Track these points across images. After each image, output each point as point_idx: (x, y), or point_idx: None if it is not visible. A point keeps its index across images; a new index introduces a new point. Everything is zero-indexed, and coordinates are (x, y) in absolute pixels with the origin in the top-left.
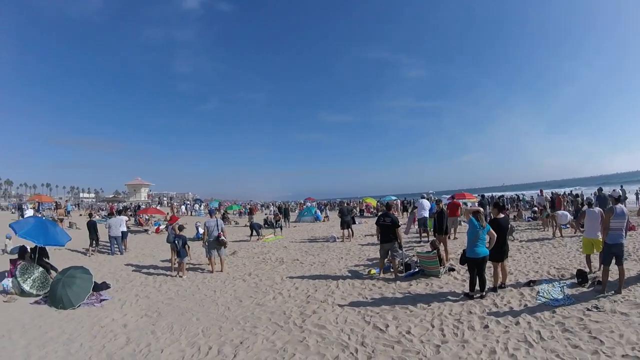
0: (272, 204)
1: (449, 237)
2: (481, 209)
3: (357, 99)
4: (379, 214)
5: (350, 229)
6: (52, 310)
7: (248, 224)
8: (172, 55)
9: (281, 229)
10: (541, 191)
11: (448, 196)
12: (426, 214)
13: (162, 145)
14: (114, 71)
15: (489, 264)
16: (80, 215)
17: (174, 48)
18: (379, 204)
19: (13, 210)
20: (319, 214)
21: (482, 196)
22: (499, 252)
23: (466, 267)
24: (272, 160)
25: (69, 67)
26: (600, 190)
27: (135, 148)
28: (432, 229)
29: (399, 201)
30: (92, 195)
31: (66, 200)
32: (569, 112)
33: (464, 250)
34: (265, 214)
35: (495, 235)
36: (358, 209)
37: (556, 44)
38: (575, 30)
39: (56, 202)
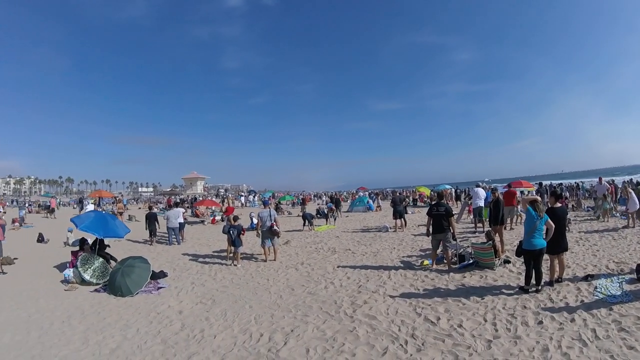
0: (324, 194)
1: (505, 228)
2: (538, 198)
3: (407, 85)
4: (432, 203)
5: (403, 219)
6: (111, 297)
7: (301, 214)
8: (220, 52)
9: (335, 219)
10: (600, 179)
11: (504, 185)
12: (482, 203)
13: (215, 140)
14: (165, 71)
15: (546, 256)
16: (139, 208)
17: (222, 45)
18: (432, 193)
19: (74, 205)
20: (371, 203)
21: (540, 184)
22: (556, 244)
23: (522, 260)
24: (323, 150)
25: (123, 71)
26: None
27: (190, 143)
28: (487, 219)
29: (452, 190)
30: (151, 189)
31: (121, 195)
32: (630, 92)
33: (520, 242)
34: (318, 204)
35: (553, 225)
36: (411, 198)
37: (614, 16)
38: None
39: (115, 197)
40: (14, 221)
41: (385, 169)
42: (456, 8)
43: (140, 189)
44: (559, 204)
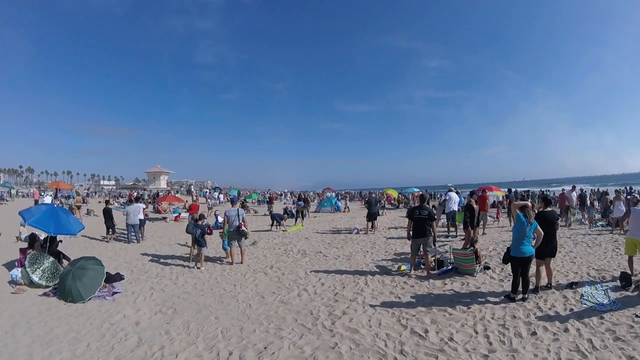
0: (291, 193)
1: (484, 234)
2: (529, 204)
3: (377, 89)
4: (413, 206)
5: (375, 221)
6: (60, 303)
7: (268, 213)
8: (193, 45)
9: (303, 218)
10: (573, 187)
11: (475, 189)
12: (455, 207)
13: (182, 134)
14: (136, 61)
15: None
16: (99, 202)
17: (196, 38)
18: (400, 195)
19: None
20: (340, 204)
21: (510, 190)
22: (546, 250)
23: (503, 266)
24: (291, 149)
25: (92, 58)
26: (630, 189)
27: (156, 136)
28: (461, 223)
29: (420, 193)
30: (113, 182)
31: (82, 187)
32: (593, 106)
33: (508, 248)
34: (284, 203)
35: (542, 233)
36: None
37: (586, 31)
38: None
39: (76, 190)
40: None
41: (353, 170)
42: (428, 15)
43: (102, 182)
44: (549, 209)
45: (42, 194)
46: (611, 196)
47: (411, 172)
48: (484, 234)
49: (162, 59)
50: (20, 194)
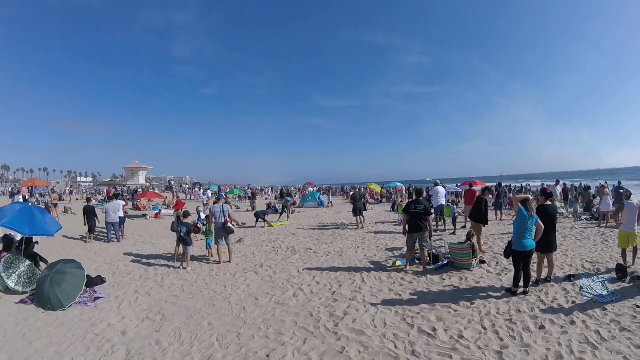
0: (271, 189)
1: (464, 227)
2: (530, 197)
3: (355, 84)
4: (409, 200)
5: (362, 216)
6: (39, 311)
7: (251, 209)
8: (171, 38)
9: (288, 215)
10: (557, 181)
11: (459, 184)
12: (443, 201)
13: (160, 129)
14: (112, 54)
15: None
16: (77, 199)
17: (174, 32)
18: (383, 190)
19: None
20: (323, 199)
21: (499, 184)
22: (547, 243)
23: (498, 260)
24: (270, 144)
25: (67, 50)
26: (619, 184)
27: (134, 132)
28: (449, 217)
29: (404, 188)
30: (90, 179)
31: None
32: (571, 102)
33: (509, 242)
34: (266, 198)
35: (543, 227)
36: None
37: (562, 26)
38: (581, 9)
39: (52, 188)
40: None
41: (334, 165)
42: (403, 10)
43: (79, 179)
44: (549, 202)
45: (18, 192)
46: (593, 191)
47: (392, 166)
48: (472, 228)
49: (140, 53)
50: None
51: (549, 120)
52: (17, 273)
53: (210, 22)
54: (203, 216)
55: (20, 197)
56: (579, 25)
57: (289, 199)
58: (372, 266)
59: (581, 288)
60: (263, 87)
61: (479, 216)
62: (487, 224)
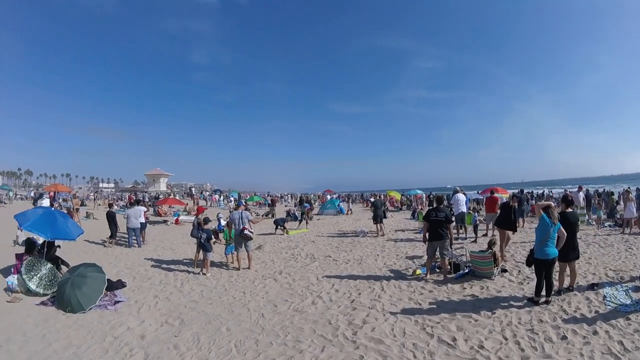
0: (291, 196)
1: (485, 235)
2: (552, 204)
3: (371, 89)
4: (429, 208)
5: (382, 224)
6: (59, 313)
7: (270, 216)
8: (189, 46)
9: (307, 223)
10: (579, 187)
11: (480, 191)
12: (464, 208)
13: (180, 136)
14: (132, 62)
15: None
16: (99, 205)
17: (191, 39)
18: (403, 197)
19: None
20: (343, 206)
21: (521, 191)
22: (569, 251)
23: (520, 268)
24: (288, 151)
25: (88, 58)
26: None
27: (154, 138)
28: (470, 225)
29: (424, 195)
30: (112, 185)
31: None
32: (591, 105)
33: (531, 251)
34: (285, 205)
35: (565, 234)
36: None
37: (581, 27)
38: (601, 10)
39: (74, 194)
40: None
41: (352, 172)
42: (417, 15)
43: (101, 185)
44: (570, 209)
45: (45, 196)
46: (616, 197)
47: (411, 173)
48: (493, 235)
49: (158, 60)
50: (18, 196)
51: (569, 124)
52: (38, 275)
53: (227, 30)
54: (223, 223)
55: (47, 201)
56: (597, 26)
57: (306, 204)
58: (392, 274)
59: (604, 297)
60: (280, 94)
61: (506, 223)
62: (515, 231)
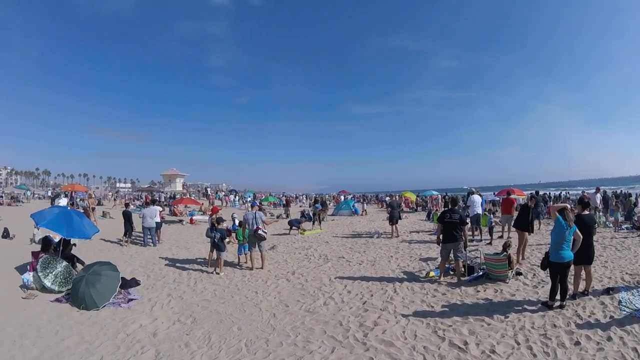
0: (306, 197)
1: (500, 237)
2: (568, 206)
3: (386, 90)
4: (440, 210)
5: (397, 225)
6: (73, 310)
7: (285, 216)
8: (205, 49)
9: (320, 223)
10: (597, 189)
11: (496, 192)
12: (479, 210)
13: (196, 137)
14: (149, 65)
15: None
16: (115, 205)
17: (207, 42)
18: (418, 198)
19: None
20: (357, 207)
21: (537, 192)
22: (585, 254)
23: (535, 271)
24: (304, 152)
25: (106, 63)
26: None
27: (170, 140)
28: (486, 226)
29: (440, 196)
30: (129, 185)
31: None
32: (610, 104)
33: (546, 254)
34: (300, 206)
35: (581, 237)
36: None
37: (599, 23)
38: (620, 6)
39: (90, 193)
40: None
41: (367, 173)
42: (433, 14)
43: (117, 185)
44: (586, 212)
45: (61, 195)
46: (634, 198)
47: (427, 174)
48: (509, 238)
49: (175, 63)
50: (36, 195)
51: (588, 123)
52: (53, 273)
53: (242, 33)
54: (237, 223)
55: (65, 200)
56: (616, 21)
57: (317, 205)
58: (405, 276)
59: (619, 302)
60: (296, 95)
61: (524, 224)
62: (532, 232)
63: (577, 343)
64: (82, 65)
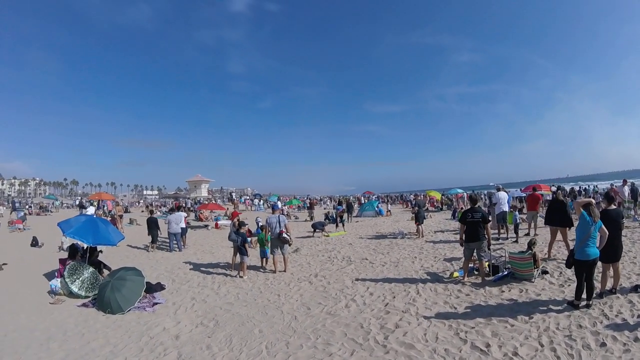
0: (330, 199)
1: (527, 234)
2: (592, 201)
3: (407, 88)
4: (464, 209)
5: (422, 225)
6: (99, 314)
7: (309, 218)
8: (225, 56)
9: (343, 224)
10: (624, 181)
11: (522, 188)
12: (506, 207)
13: (221, 143)
14: (171, 74)
15: None
16: (142, 211)
17: (227, 49)
18: (444, 197)
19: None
20: (382, 208)
21: (558, 187)
22: (612, 251)
23: (560, 270)
24: (327, 154)
25: (128, 73)
26: None
27: (195, 147)
28: (512, 224)
29: (465, 194)
30: (155, 192)
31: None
32: (636, 91)
33: (571, 251)
34: (324, 208)
35: (607, 233)
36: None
37: (621, 13)
38: None
39: (116, 201)
40: (10, 223)
41: (391, 172)
42: (455, 8)
43: (145, 192)
44: (613, 206)
45: (85, 205)
46: None
47: (452, 172)
48: (535, 234)
49: (196, 71)
50: (64, 205)
51: (614, 113)
52: (80, 279)
53: (261, 38)
54: (261, 226)
55: (92, 209)
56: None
57: (339, 207)
58: (429, 277)
59: None
60: (317, 97)
61: (563, 219)
62: (571, 226)
63: (603, 344)
64: (106, 78)
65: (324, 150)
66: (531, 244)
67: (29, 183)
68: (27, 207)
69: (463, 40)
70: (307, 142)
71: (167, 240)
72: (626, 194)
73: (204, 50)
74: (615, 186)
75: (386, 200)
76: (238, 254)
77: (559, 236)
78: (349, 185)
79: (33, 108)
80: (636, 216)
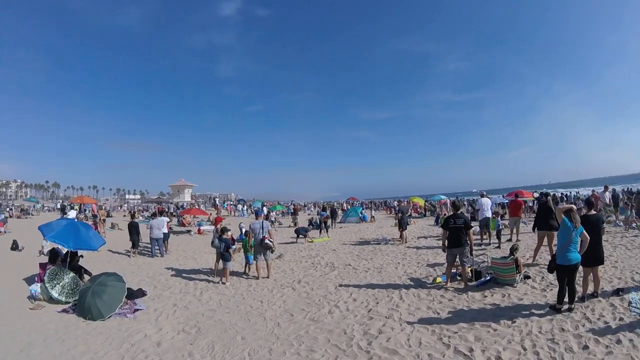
0: (314, 205)
1: (509, 240)
2: (574, 207)
3: (394, 94)
4: (447, 215)
5: (406, 231)
6: (79, 321)
7: (292, 224)
8: (214, 60)
9: (327, 230)
10: (605, 187)
11: (505, 194)
12: (489, 214)
13: (205, 147)
14: (159, 77)
15: None
16: (124, 216)
17: (216, 53)
18: (427, 203)
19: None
20: (365, 214)
21: (545, 194)
22: (593, 255)
23: (543, 274)
24: (315, 160)
25: (115, 75)
26: None
27: (180, 150)
28: (494, 230)
29: (448, 200)
30: (138, 196)
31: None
32: (621, 98)
33: (553, 256)
34: (308, 214)
35: (588, 238)
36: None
37: (608, 20)
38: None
39: (100, 205)
40: None
41: (376, 179)
42: (442, 17)
43: (127, 196)
44: (593, 212)
45: (67, 208)
46: None
47: (437, 178)
48: (517, 240)
49: (184, 75)
50: (45, 208)
51: (600, 120)
52: (60, 284)
53: (250, 42)
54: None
55: (74, 213)
56: (624, 12)
57: (323, 213)
58: (412, 283)
59: (629, 303)
60: (305, 103)
61: (553, 224)
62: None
63: (586, 347)
64: (92, 78)
65: (311, 156)
66: (513, 250)
67: (10, 185)
68: (7, 209)
69: (449, 48)
70: (294, 147)
71: (149, 246)
72: (607, 200)
73: (193, 53)
74: (597, 192)
75: (370, 206)
76: (221, 260)
77: (545, 241)
78: (335, 191)
79: (16, 108)
80: (617, 221)
